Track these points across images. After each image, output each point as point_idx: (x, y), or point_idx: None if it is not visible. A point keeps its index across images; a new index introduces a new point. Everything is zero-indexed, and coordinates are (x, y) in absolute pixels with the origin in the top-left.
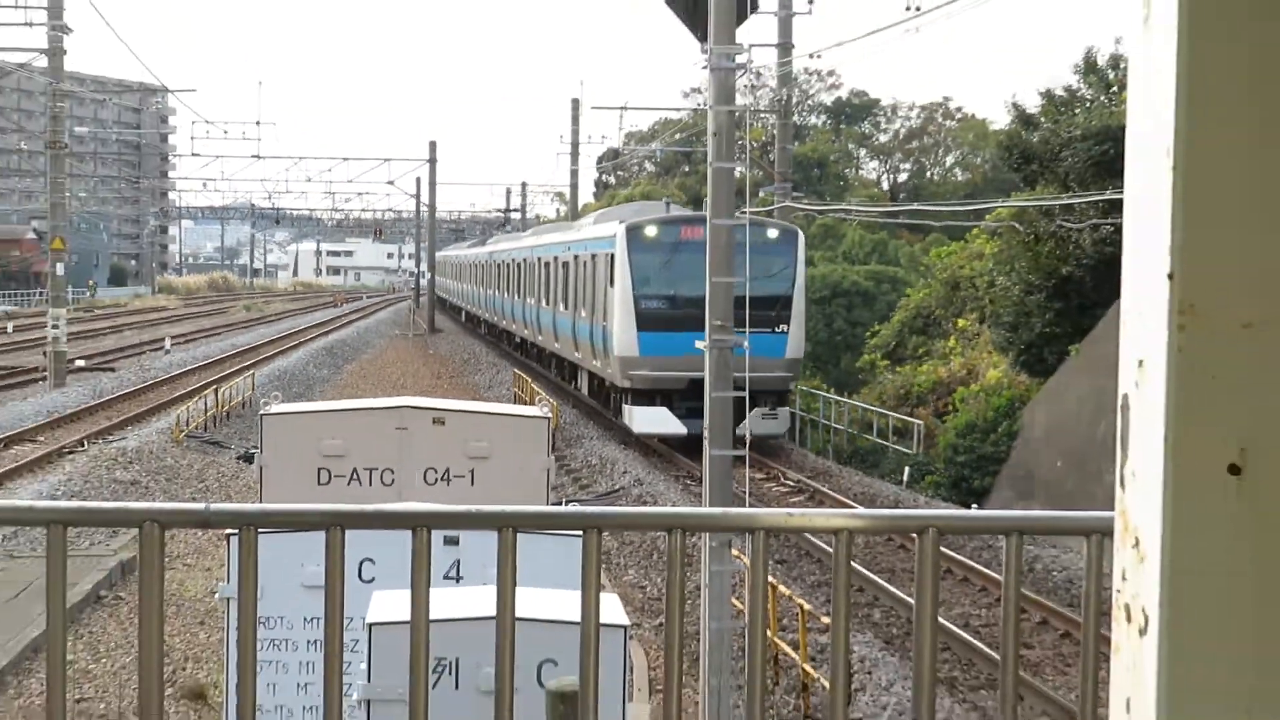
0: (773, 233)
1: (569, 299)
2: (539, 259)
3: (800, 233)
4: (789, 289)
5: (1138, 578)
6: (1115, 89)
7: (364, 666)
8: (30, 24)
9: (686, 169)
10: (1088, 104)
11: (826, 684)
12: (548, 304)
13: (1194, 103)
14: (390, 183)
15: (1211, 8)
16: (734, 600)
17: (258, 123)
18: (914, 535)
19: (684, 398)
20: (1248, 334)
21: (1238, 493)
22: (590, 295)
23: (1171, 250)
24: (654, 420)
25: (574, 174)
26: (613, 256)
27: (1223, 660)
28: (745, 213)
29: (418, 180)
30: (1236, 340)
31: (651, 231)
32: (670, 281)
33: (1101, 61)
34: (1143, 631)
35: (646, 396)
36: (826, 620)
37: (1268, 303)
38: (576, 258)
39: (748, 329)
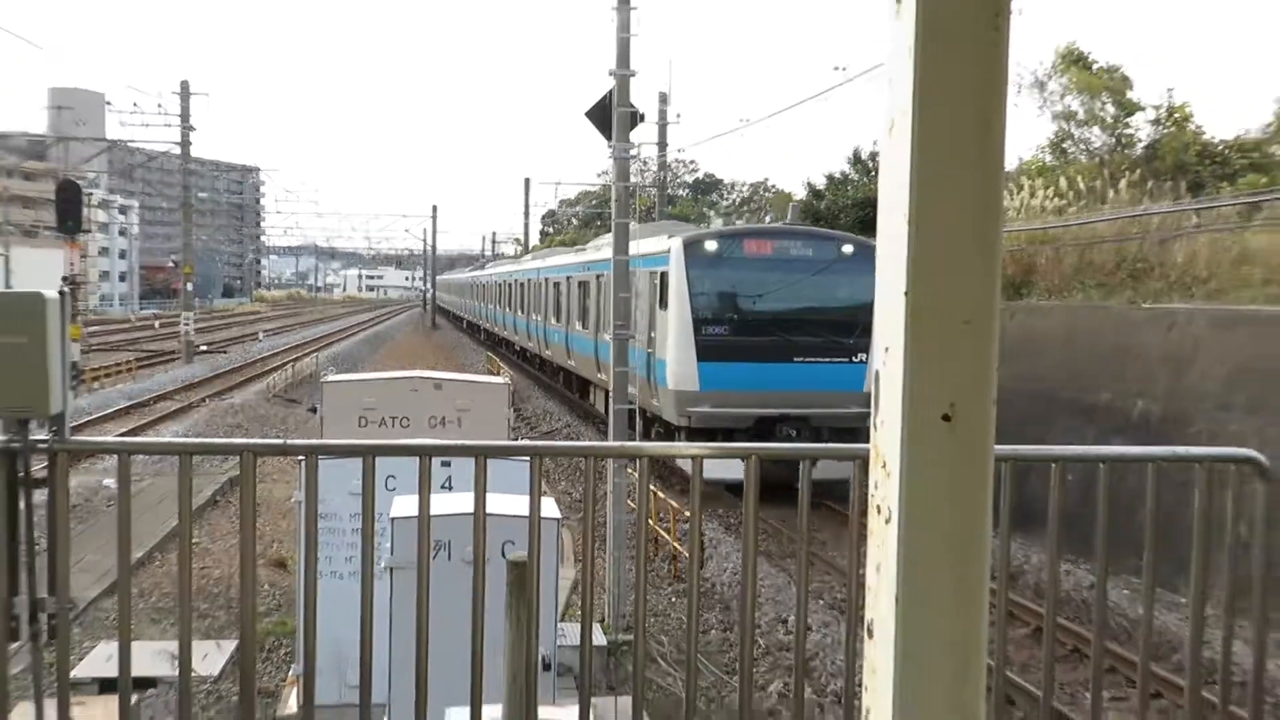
0: (847, 248)
1: (588, 319)
2: (545, 279)
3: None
4: (868, 312)
5: (885, 487)
6: (872, 173)
7: (388, 546)
8: (169, 125)
9: (599, 223)
10: (855, 183)
11: (687, 554)
12: (558, 321)
13: (921, 184)
14: (406, 231)
15: (931, 125)
16: (628, 501)
17: (319, 191)
18: (744, 459)
19: (749, 438)
20: (959, 332)
21: (949, 432)
22: (632, 319)
23: (907, 277)
24: (716, 466)
25: (526, 227)
26: (665, 275)
27: (938, 538)
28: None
29: (424, 229)
30: (950, 333)
31: (712, 246)
32: (735, 304)
33: (864, 155)
34: (888, 521)
35: (705, 435)
36: (688, 514)
37: (972, 309)
38: (599, 277)
39: (819, 358)
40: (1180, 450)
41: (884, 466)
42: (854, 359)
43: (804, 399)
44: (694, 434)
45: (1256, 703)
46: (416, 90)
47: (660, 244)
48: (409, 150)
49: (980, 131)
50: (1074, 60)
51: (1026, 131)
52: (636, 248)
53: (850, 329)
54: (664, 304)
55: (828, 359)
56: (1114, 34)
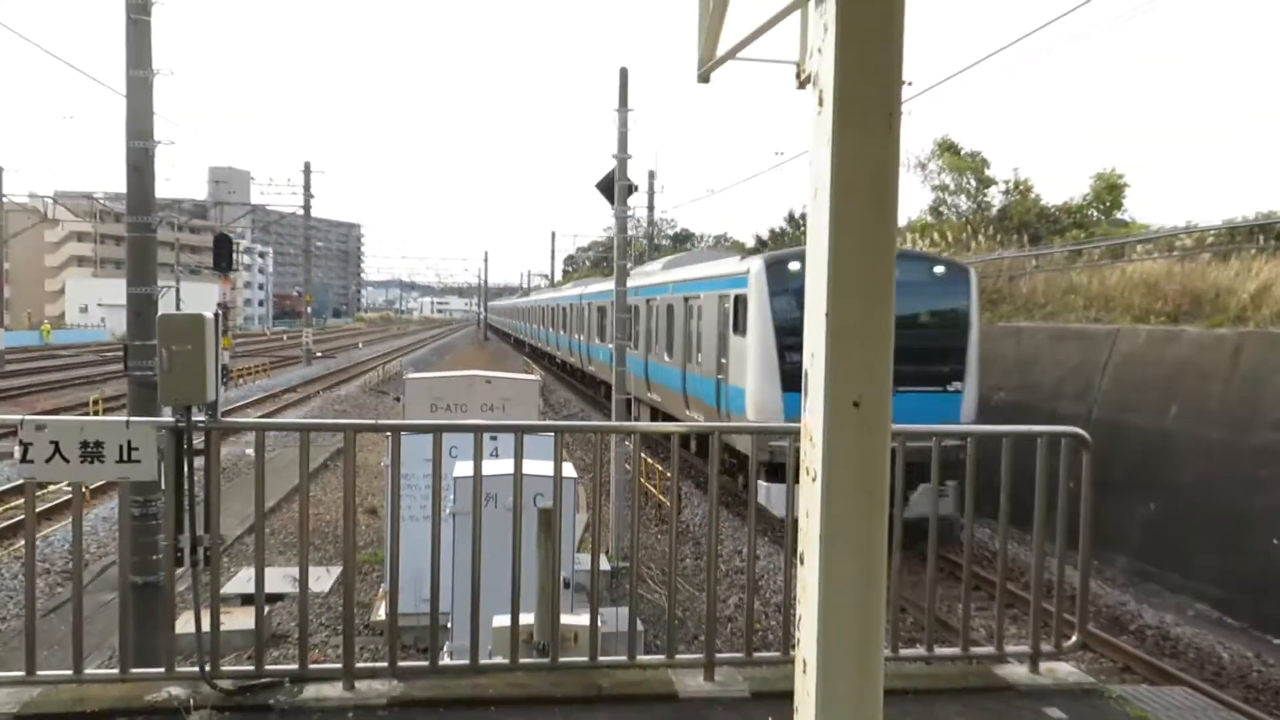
0: (939, 269)
1: (637, 342)
2: (589, 304)
3: (973, 270)
4: (962, 337)
5: (812, 455)
6: (802, 229)
7: (452, 497)
8: (295, 192)
9: (605, 264)
10: (790, 236)
11: (669, 503)
12: (601, 341)
13: (837, 235)
14: (465, 269)
15: (843, 193)
16: (626, 465)
17: (403, 240)
18: (708, 435)
19: None
20: (864, 342)
21: (857, 416)
22: (691, 343)
23: (826, 302)
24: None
25: (552, 266)
26: (741, 299)
27: (849, 487)
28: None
29: (478, 268)
30: (857, 345)
31: (795, 267)
32: None
33: (796, 215)
34: (814, 480)
35: (783, 469)
36: (670, 475)
37: (873, 327)
38: (649, 302)
39: (912, 387)
40: (1026, 428)
41: (811, 440)
42: (947, 388)
43: (895, 431)
44: (774, 469)
45: (1082, 610)
46: (475, 162)
47: (734, 266)
48: (468, 206)
49: (879, 198)
50: (947, 148)
51: (913, 199)
52: (698, 271)
53: (944, 355)
54: (740, 329)
55: (921, 388)
56: (978, 125)
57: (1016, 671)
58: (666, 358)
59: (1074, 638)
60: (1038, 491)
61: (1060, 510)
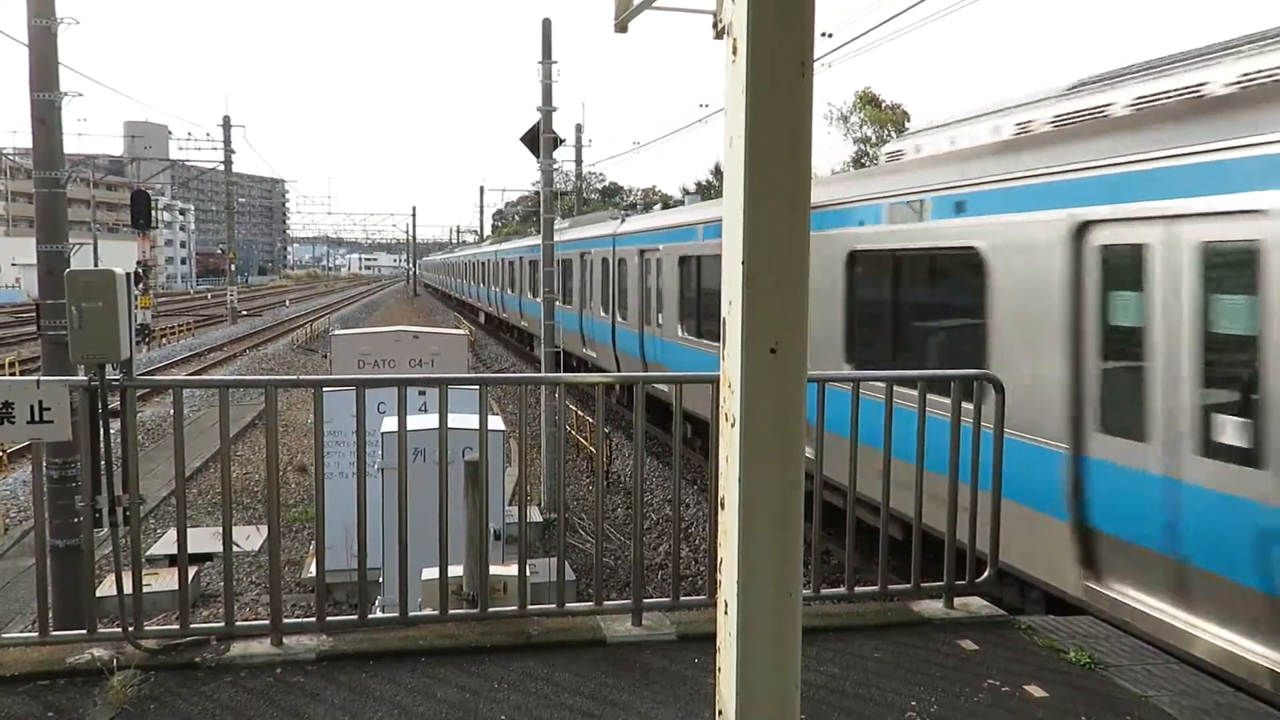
0: None
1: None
2: (520, 258)
3: None
4: None
5: (731, 401)
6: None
7: (380, 453)
8: (215, 147)
9: (533, 219)
10: (716, 188)
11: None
12: (534, 295)
13: (751, 184)
14: (393, 225)
15: (757, 141)
16: (556, 417)
17: (329, 196)
18: (633, 386)
19: None
20: (779, 289)
21: (774, 362)
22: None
23: (743, 251)
24: None
25: (480, 223)
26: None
27: (766, 436)
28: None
29: (407, 224)
30: (773, 293)
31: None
32: None
33: (722, 166)
34: (733, 425)
35: None
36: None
37: (787, 273)
38: (582, 256)
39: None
40: (941, 372)
41: (730, 386)
42: None
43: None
44: None
45: (994, 545)
46: (402, 116)
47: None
48: (395, 161)
49: (793, 146)
50: (868, 101)
51: (837, 151)
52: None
53: None
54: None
55: None
56: (901, 78)
57: (932, 606)
58: (602, 313)
59: (987, 572)
60: (951, 431)
61: (974, 449)
